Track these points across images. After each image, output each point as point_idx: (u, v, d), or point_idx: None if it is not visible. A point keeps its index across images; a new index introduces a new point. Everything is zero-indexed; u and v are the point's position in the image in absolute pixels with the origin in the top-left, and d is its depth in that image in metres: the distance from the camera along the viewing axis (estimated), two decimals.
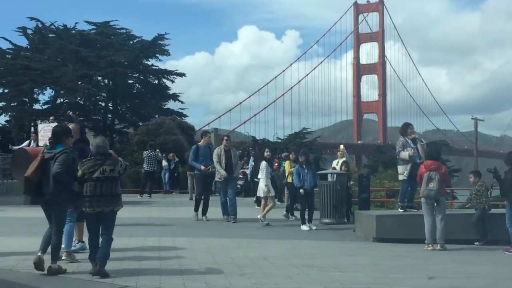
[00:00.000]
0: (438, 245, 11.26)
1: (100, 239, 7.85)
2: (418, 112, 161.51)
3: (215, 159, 15.19)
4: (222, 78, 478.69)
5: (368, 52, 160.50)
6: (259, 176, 15.48)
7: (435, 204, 11.40)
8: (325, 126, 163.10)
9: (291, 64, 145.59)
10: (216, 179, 16.00)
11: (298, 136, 64.41)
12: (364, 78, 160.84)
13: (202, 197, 15.60)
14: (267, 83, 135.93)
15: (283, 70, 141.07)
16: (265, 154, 17.41)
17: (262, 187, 15.08)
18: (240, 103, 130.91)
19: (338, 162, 17.37)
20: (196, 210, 15.70)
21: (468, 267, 9.51)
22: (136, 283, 7.18)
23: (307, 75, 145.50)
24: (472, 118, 59.80)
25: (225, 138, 15.88)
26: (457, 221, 12.36)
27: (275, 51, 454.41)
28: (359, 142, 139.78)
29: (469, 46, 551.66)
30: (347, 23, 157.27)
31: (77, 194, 7.97)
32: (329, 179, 16.00)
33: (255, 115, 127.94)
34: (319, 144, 72.40)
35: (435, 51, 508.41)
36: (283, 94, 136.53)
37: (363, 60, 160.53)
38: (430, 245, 11.34)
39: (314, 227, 14.02)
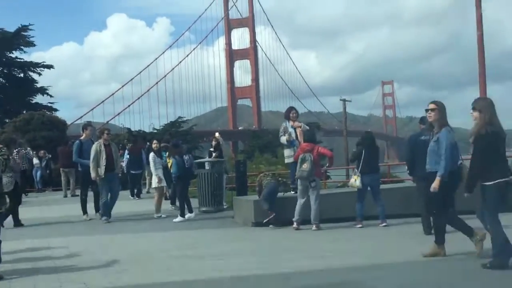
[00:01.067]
0: (314, 226, 11.62)
1: None
2: (290, 95, 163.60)
3: (92, 155, 13.78)
4: (92, 69, 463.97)
5: (240, 38, 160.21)
6: (151, 169, 15.28)
7: (311, 185, 11.72)
8: (201, 114, 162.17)
9: (163, 52, 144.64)
10: (93, 178, 13.95)
11: (174, 126, 64.15)
12: (237, 63, 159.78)
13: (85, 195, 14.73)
14: (140, 72, 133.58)
15: (156, 58, 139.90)
16: (154, 145, 17.16)
17: (154, 178, 14.94)
18: (113, 94, 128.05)
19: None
20: (85, 211, 14.64)
21: (342, 245, 9.89)
22: None
23: (180, 62, 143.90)
24: (340, 100, 61.26)
25: (105, 131, 14.40)
26: (330, 201, 12.72)
27: (146, 39, 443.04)
28: (240, 128, 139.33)
29: (335, 29, 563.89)
30: (218, 9, 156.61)
31: None
32: (207, 167, 16.09)
33: (129, 105, 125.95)
34: (195, 132, 72.14)
35: (304, 35, 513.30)
36: (157, 83, 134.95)
37: (235, 46, 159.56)
38: (296, 223, 11.66)
39: (186, 217, 13.91)
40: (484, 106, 7.16)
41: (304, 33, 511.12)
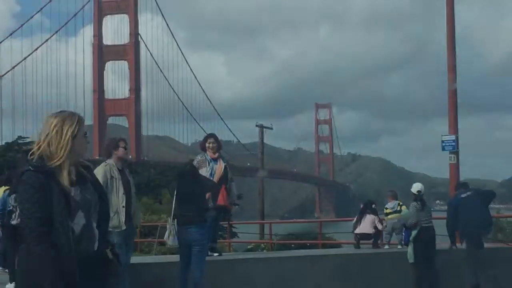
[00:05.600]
0: None
1: None
2: (186, 116, 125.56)
3: None
4: None
5: (116, 29, 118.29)
6: None
7: None
8: None
9: (1, 42, 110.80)
10: None
11: (11, 149, 47.24)
12: (109, 65, 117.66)
13: None
14: None
15: None
16: None
17: None
18: None
19: None
20: None
21: None
22: None
23: (25, 58, 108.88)
24: (257, 125, 45.84)
25: (121, 143, 7.71)
26: (237, 270, 9.27)
27: None
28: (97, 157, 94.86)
29: (254, 25, 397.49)
30: None
31: None
32: None
33: None
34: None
35: (209, 31, 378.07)
36: None
37: (107, 40, 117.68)
38: None
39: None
40: None
41: (210, 28, 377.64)
